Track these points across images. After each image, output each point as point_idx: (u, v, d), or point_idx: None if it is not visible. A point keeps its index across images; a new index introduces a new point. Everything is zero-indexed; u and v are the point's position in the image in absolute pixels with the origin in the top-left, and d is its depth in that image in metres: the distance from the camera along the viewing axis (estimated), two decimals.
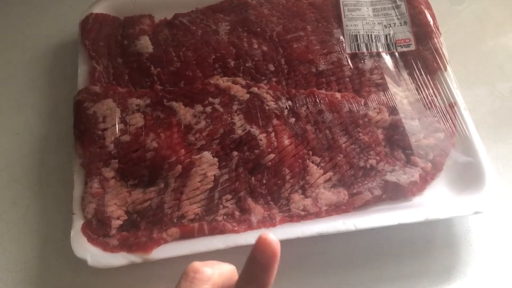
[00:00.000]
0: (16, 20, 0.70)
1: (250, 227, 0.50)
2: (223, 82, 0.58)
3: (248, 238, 0.49)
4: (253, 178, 0.53)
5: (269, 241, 0.30)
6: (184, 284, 0.32)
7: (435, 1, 0.67)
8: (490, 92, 0.62)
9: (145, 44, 0.61)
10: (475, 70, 0.64)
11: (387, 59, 0.60)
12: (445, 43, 0.61)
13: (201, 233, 0.50)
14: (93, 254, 0.49)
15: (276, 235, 0.48)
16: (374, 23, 0.62)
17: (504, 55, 0.65)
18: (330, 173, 0.54)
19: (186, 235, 0.50)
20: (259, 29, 0.62)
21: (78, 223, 0.51)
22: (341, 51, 0.60)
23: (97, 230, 0.51)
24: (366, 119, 0.56)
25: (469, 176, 0.53)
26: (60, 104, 0.62)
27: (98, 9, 0.65)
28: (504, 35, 0.67)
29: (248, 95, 0.57)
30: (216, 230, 0.50)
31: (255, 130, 0.55)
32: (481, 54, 0.65)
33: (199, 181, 0.53)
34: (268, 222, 0.51)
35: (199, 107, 0.56)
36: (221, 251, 0.49)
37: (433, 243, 0.53)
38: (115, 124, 0.55)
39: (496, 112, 0.61)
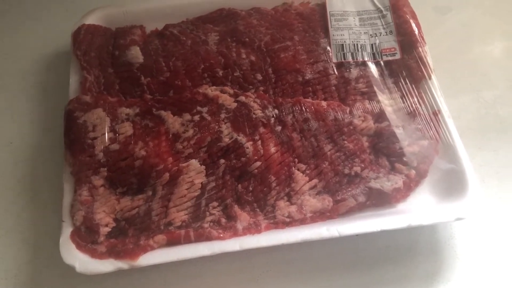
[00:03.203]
0: (9, 31, 0.72)
1: (235, 234, 0.51)
2: (211, 91, 0.59)
3: (233, 244, 0.50)
4: (239, 185, 0.54)
5: None
6: None
7: (422, 10, 0.69)
8: (475, 100, 0.63)
9: (136, 54, 0.63)
10: (460, 78, 0.65)
11: (373, 68, 0.61)
12: (430, 51, 0.62)
13: (187, 240, 0.51)
14: (81, 261, 0.50)
15: (261, 241, 0.49)
16: (360, 33, 0.63)
17: (489, 63, 0.66)
18: (315, 180, 0.55)
19: (173, 242, 0.51)
20: (247, 39, 0.64)
21: (67, 230, 0.52)
22: (327, 60, 0.62)
23: (86, 237, 0.52)
24: (351, 127, 0.57)
25: (452, 183, 0.54)
26: (52, 113, 0.63)
27: (90, 20, 0.67)
28: (489, 44, 0.68)
29: (235, 104, 0.58)
30: (202, 237, 0.51)
31: (242, 138, 0.56)
32: (467, 62, 0.66)
33: (186, 189, 0.54)
34: (254, 229, 0.52)
35: (187, 116, 0.57)
36: (207, 258, 0.50)
37: (417, 249, 0.54)
38: (105, 133, 0.56)
39: (480, 120, 0.62)
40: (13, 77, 0.67)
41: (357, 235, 0.54)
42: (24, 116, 0.64)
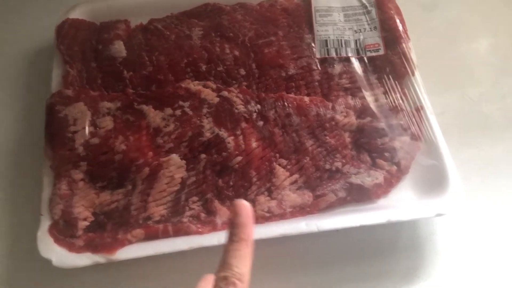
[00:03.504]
0: None
1: (214, 228, 0.51)
2: (194, 85, 0.59)
3: (212, 239, 0.50)
4: (220, 180, 0.54)
5: (242, 204, 0.37)
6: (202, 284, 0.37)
7: (408, 7, 0.68)
8: (459, 97, 0.63)
9: (119, 48, 0.62)
10: (445, 74, 0.65)
11: (356, 64, 0.61)
12: (416, 48, 0.62)
13: (165, 235, 0.51)
14: (58, 255, 0.49)
15: None
16: (345, 29, 0.63)
17: (475, 60, 0.66)
18: (296, 176, 0.54)
19: (151, 236, 0.51)
20: (231, 34, 0.63)
21: (45, 224, 0.51)
22: (311, 56, 0.61)
23: (64, 231, 0.51)
24: (333, 123, 0.57)
25: (434, 179, 0.53)
26: (35, 107, 0.63)
27: (75, 15, 0.66)
28: (475, 41, 0.67)
29: (218, 99, 0.58)
30: (180, 232, 0.51)
31: (223, 133, 0.56)
32: (452, 59, 0.66)
33: (166, 183, 0.53)
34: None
35: (168, 110, 0.57)
36: (187, 252, 0.49)
37: (397, 245, 0.54)
38: (85, 127, 0.56)
39: (465, 116, 0.62)
40: None
41: (337, 230, 0.54)
42: (6, 110, 0.64)
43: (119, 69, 0.61)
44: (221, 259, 0.35)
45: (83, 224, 0.52)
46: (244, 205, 0.37)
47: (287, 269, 0.53)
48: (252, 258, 0.36)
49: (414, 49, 0.61)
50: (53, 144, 0.56)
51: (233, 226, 0.36)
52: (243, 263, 0.35)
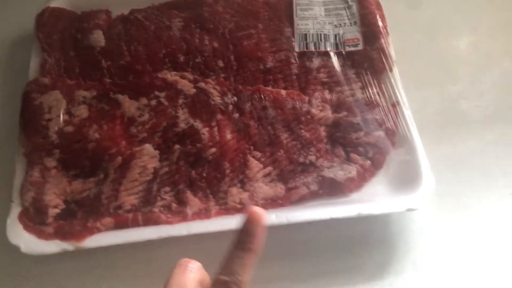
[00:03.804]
0: None
1: (184, 218, 0.51)
2: (171, 76, 0.59)
3: (181, 229, 0.50)
4: (193, 171, 0.54)
5: (258, 211, 0.35)
6: (178, 271, 0.35)
7: (392, 4, 0.68)
8: (438, 94, 0.63)
9: (98, 38, 0.62)
10: (425, 71, 0.64)
11: (335, 58, 0.60)
12: (397, 44, 0.62)
13: (135, 224, 0.51)
14: (27, 241, 0.49)
15: (209, 227, 0.49)
16: (325, 23, 0.63)
17: (455, 58, 0.66)
18: (269, 168, 0.54)
19: (121, 225, 0.51)
20: (211, 26, 0.63)
21: (16, 210, 0.51)
22: (290, 49, 0.61)
23: (34, 218, 0.51)
24: (309, 116, 0.57)
25: (407, 175, 0.53)
26: (12, 96, 0.63)
27: (56, 3, 0.66)
28: (456, 39, 0.67)
29: (194, 90, 0.58)
30: (150, 221, 0.51)
31: (198, 124, 0.55)
32: (433, 56, 0.66)
33: (139, 173, 0.53)
34: (204, 214, 0.51)
35: (144, 100, 0.57)
36: (154, 242, 0.49)
37: (369, 240, 0.54)
38: (60, 115, 0.56)
39: (443, 114, 0.61)
40: None
41: (309, 224, 0.54)
42: None
43: (97, 59, 0.61)
44: (224, 262, 0.35)
45: (53, 211, 0.52)
46: (260, 213, 0.35)
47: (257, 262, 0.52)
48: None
49: (396, 45, 0.61)
50: (27, 131, 0.55)
51: (243, 234, 0.35)
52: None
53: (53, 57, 0.61)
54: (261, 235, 0.35)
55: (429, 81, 0.64)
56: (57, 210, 0.52)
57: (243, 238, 0.35)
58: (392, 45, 0.61)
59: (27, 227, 0.50)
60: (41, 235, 0.50)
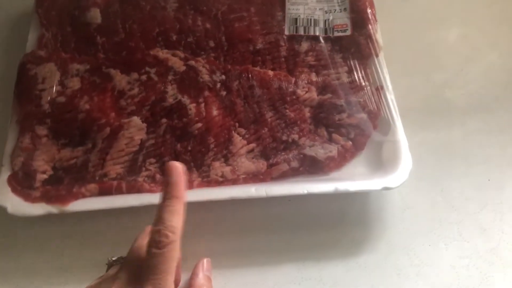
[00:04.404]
0: None
1: None
2: (163, 54, 0.60)
3: None
4: (179, 144, 0.56)
5: (174, 165, 0.39)
6: (141, 235, 0.43)
7: None
8: (424, 81, 0.64)
9: (95, 15, 0.64)
10: (413, 59, 0.65)
11: (323, 43, 0.62)
12: (387, 33, 0.63)
13: (118, 191, 0.52)
14: (14, 203, 0.51)
15: (190, 197, 0.50)
16: (316, 9, 0.64)
17: (443, 47, 0.67)
18: (253, 145, 0.56)
19: (105, 192, 0.52)
20: (205, 8, 0.65)
21: (5, 174, 0.53)
22: (280, 32, 0.63)
23: (22, 182, 0.53)
24: (295, 97, 0.58)
25: (386, 156, 0.55)
26: (11, 68, 0.64)
27: None
28: (445, 29, 0.68)
29: (184, 67, 0.59)
30: (133, 189, 0.52)
31: (186, 100, 0.57)
32: (421, 45, 0.67)
33: (125, 144, 0.55)
34: (186, 185, 0.53)
35: (135, 75, 0.59)
36: (136, 210, 0.51)
37: (346, 217, 0.55)
38: (53, 86, 0.58)
39: (427, 100, 0.62)
40: None
41: (289, 200, 0.55)
42: None
43: (93, 35, 0.63)
44: (156, 214, 0.38)
45: (41, 177, 0.54)
46: (176, 166, 0.39)
47: (235, 233, 0.54)
48: (184, 213, 0.38)
49: (385, 33, 0.62)
50: (20, 100, 0.57)
51: (166, 185, 0.39)
52: (175, 218, 0.37)
53: (50, 32, 0.63)
54: (181, 183, 0.39)
55: (416, 68, 0.65)
56: (45, 176, 0.54)
57: (167, 189, 0.38)
58: (381, 33, 0.62)
59: (15, 190, 0.52)
60: (28, 198, 0.52)
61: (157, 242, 0.36)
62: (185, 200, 0.39)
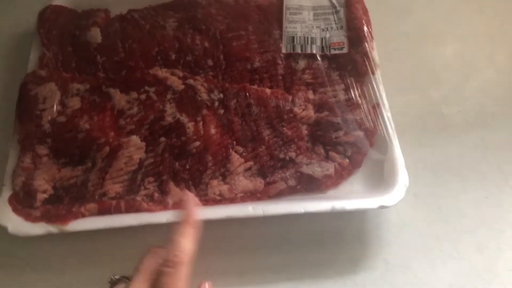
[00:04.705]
0: None
1: (165, 207, 0.53)
2: (162, 73, 0.61)
3: (161, 217, 0.52)
4: (177, 163, 0.56)
5: (190, 195, 0.46)
6: (146, 256, 0.43)
7: (382, 11, 0.71)
8: (422, 98, 0.64)
9: (95, 34, 0.65)
10: (409, 76, 0.66)
11: (320, 61, 0.63)
12: (384, 49, 0.64)
13: (117, 210, 0.53)
14: (14, 223, 0.52)
15: None
16: (313, 27, 0.65)
17: (440, 64, 0.67)
18: (250, 163, 0.56)
19: (104, 211, 0.53)
20: (204, 26, 0.66)
21: (6, 193, 0.54)
22: (277, 50, 0.63)
23: (23, 201, 0.54)
24: (292, 115, 0.59)
25: (383, 174, 0.55)
26: (12, 87, 0.65)
27: (58, 2, 0.69)
28: (442, 46, 0.69)
29: (183, 86, 0.60)
30: (132, 209, 0.53)
31: (184, 118, 0.58)
32: (418, 62, 0.67)
33: (124, 163, 0.56)
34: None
35: (134, 94, 0.60)
36: (135, 229, 0.52)
37: (344, 236, 0.55)
38: (54, 106, 0.59)
39: (424, 117, 0.63)
40: None
41: (286, 218, 0.55)
42: None
43: (93, 54, 0.64)
44: (170, 237, 0.42)
45: (42, 196, 0.54)
46: (192, 197, 0.45)
47: (233, 251, 0.54)
48: (196, 238, 0.43)
49: (382, 50, 0.63)
50: (22, 119, 0.58)
51: (181, 213, 0.43)
52: (187, 241, 0.42)
53: (51, 51, 0.64)
54: (195, 212, 0.44)
55: (412, 85, 0.65)
56: (45, 195, 0.55)
57: (182, 216, 0.43)
58: (378, 50, 0.62)
59: (15, 210, 0.53)
60: (28, 217, 0.52)
61: (169, 262, 0.39)
62: (197, 227, 0.43)
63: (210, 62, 0.63)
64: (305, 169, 0.55)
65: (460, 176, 0.59)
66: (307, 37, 0.64)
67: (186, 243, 0.41)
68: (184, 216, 0.43)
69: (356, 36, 0.63)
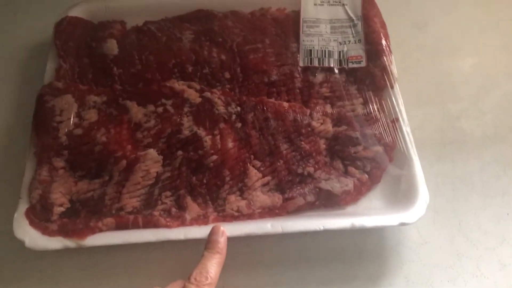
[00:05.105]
0: (0, 21, 0.75)
1: (183, 223, 0.53)
2: (179, 85, 0.61)
3: (179, 233, 0.51)
4: (194, 177, 0.56)
5: (219, 227, 0.49)
6: None
7: (399, 24, 0.71)
8: (440, 112, 0.64)
9: (111, 46, 0.65)
10: (428, 90, 0.65)
11: (338, 74, 0.62)
12: (402, 63, 0.64)
13: (135, 225, 0.52)
14: (31, 237, 0.51)
15: (206, 232, 0.50)
16: (330, 40, 0.65)
17: (458, 77, 0.67)
18: (268, 178, 0.56)
19: (121, 226, 0.52)
20: (220, 39, 0.66)
21: (23, 207, 0.54)
22: (294, 64, 0.63)
23: (40, 214, 0.53)
24: (310, 129, 0.58)
25: (403, 190, 0.54)
26: (29, 98, 0.65)
27: (75, 13, 0.69)
28: (460, 59, 0.68)
29: (200, 99, 0.60)
30: (150, 224, 0.52)
31: (201, 132, 0.57)
32: (436, 75, 0.67)
33: (142, 177, 0.55)
34: (202, 220, 0.53)
35: (151, 107, 0.59)
36: (152, 244, 0.51)
37: (362, 253, 0.54)
38: (70, 118, 0.59)
39: (443, 131, 0.62)
40: None
41: (305, 234, 0.55)
42: (2, 99, 0.67)
43: (110, 66, 0.64)
44: (200, 262, 0.46)
45: (58, 209, 0.54)
46: (221, 228, 0.49)
47: (250, 267, 0.54)
48: (222, 266, 0.47)
49: (399, 63, 0.63)
50: (38, 132, 0.58)
51: (210, 241, 0.48)
52: (215, 268, 0.46)
53: (68, 63, 0.64)
54: (225, 242, 0.48)
55: (431, 99, 0.65)
56: (62, 209, 0.54)
57: (210, 245, 0.47)
58: (396, 63, 0.62)
59: (32, 223, 0.52)
60: (45, 231, 0.52)
61: (198, 281, 0.43)
62: (224, 254, 0.48)
63: (227, 75, 0.63)
64: (324, 185, 0.55)
65: (481, 192, 0.58)
66: (325, 50, 0.64)
67: (215, 271, 0.45)
68: (216, 246, 0.47)
69: (374, 50, 0.63)
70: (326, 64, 0.63)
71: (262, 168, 0.56)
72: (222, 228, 0.49)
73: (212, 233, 0.48)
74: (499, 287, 0.52)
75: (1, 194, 0.59)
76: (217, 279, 0.45)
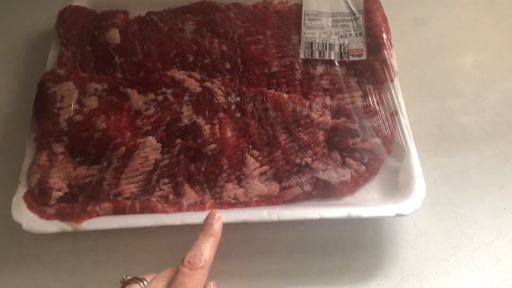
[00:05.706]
0: (3, 10, 0.76)
1: (180, 209, 0.53)
2: (179, 75, 0.61)
3: (175, 219, 0.52)
4: (192, 165, 0.56)
5: (214, 212, 0.48)
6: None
7: (402, 20, 0.71)
8: (440, 107, 0.64)
9: (114, 35, 0.66)
10: (428, 85, 0.66)
11: (338, 67, 0.62)
12: (403, 58, 0.64)
13: (132, 211, 0.53)
14: (29, 220, 0.52)
15: (203, 218, 0.51)
16: (331, 33, 0.65)
17: (459, 73, 0.67)
18: (266, 167, 0.56)
19: (118, 211, 0.53)
20: (222, 30, 0.66)
21: (21, 190, 0.54)
22: (295, 56, 0.63)
23: (38, 198, 0.54)
24: (308, 120, 0.58)
25: (400, 182, 0.54)
26: (31, 86, 0.66)
27: (78, 2, 0.70)
28: (461, 56, 0.68)
29: (200, 89, 0.60)
30: (147, 209, 0.53)
31: (200, 121, 0.58)
32: (437, 71, 0.67)
33: (140, 163, 0.55)
34: (198, 206, 0.53)
35: (151, 95, 0.60)
36: (149, 229, 0.51)
37: (359, 243, 0.54)
38: (71, 104, 0.59)
39: (442, 126, 0.62)
40: (1, 51, 0.71)
41: (301, 224, 0.55)
42: (4, 86, 0.67)
43: (111, 55, 0.64)
44: (194, 244, 0.44)
45: (57, 194, 0.54)
46: (217, 213, 0.48)
47: (247, 256, 0.54)
48: (216, 248, 0.46)
49: (401, 58, 0.63)
50: (39, 117, 0.59)
51: (206, 224, 0.47)
52: (209, 250, 0.44)
53: (70, 51, 0.65)
54: (218, 225, 0.47)
55: (431, 94, 0.65)
56: (60, 193, 0.55)
57: (205, 227, 0.46)
58: (397, 58, 0.62)
59: (30, 207, 0.53)
60: (43, 215, 0.52)
61: (191, 264, 0.42)
62: (218, 237, 0.46)
63: (227, 66, 0.63)
64: (321, 175, 0.55)
65: (478, 187, 0.58)
66: (326, 43, 0.64)
67: (209, 253, 0.44)
68: (211, 229, 0.46)
69: (375, 43, 0.63)
70: (326, 57, 0.63)
71: (260, 158, 0.56)
72: (218, 214, 0.48)
73: (208, 217, 0.48)
74: (493, 280, 0.52)
75: (1, 179, 0.59)
76: (211, 262, 0.44)
